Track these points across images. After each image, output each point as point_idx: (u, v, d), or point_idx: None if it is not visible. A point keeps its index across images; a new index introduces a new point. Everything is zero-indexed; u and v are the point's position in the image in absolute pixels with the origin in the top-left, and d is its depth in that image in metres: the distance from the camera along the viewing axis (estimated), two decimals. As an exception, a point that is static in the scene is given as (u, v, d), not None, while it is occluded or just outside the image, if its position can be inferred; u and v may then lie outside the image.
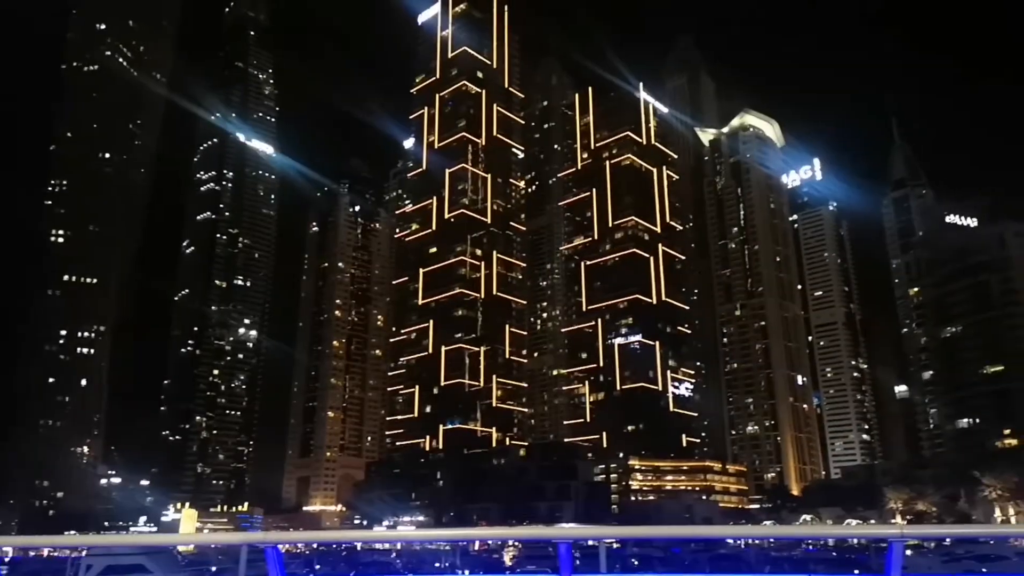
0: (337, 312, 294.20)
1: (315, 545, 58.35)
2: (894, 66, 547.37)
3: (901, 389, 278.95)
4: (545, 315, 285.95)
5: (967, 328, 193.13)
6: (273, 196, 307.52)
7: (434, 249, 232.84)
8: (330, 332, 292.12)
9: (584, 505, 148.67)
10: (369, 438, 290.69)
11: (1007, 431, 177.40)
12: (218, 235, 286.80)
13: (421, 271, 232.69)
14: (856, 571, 47.82)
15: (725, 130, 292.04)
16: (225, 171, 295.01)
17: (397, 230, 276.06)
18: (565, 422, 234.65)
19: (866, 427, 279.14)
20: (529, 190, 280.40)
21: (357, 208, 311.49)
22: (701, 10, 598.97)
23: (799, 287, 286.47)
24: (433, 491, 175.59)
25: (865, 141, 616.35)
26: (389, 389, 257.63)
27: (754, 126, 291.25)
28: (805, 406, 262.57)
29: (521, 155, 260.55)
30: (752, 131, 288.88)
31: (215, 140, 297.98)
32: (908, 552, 49.80)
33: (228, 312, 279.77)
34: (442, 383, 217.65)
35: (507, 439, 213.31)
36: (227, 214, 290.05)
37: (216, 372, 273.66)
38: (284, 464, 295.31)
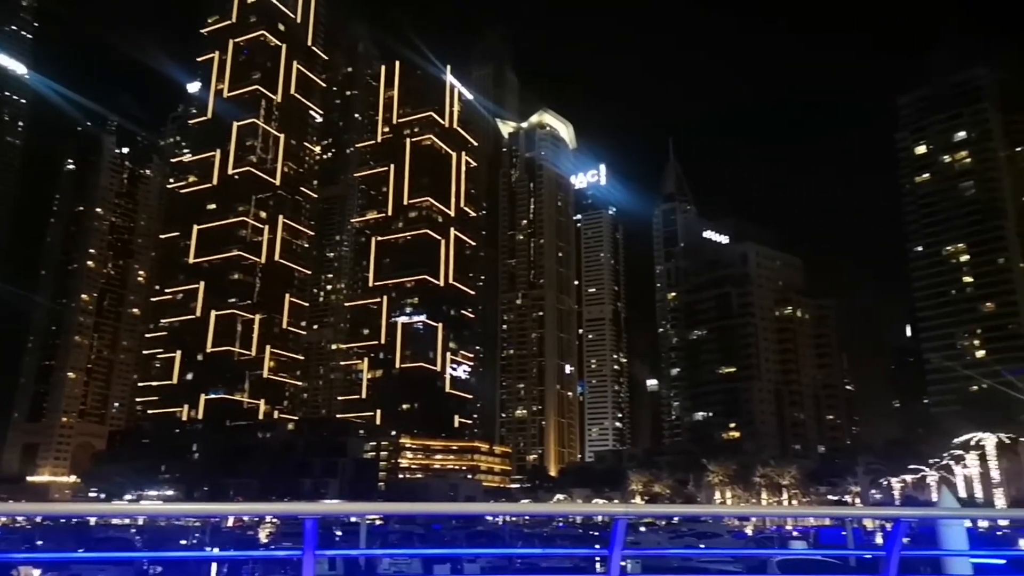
0: (90, 263, 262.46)
1: (39, 519, 51.61)
2: (679, 102, 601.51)
3: (652, 383, 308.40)
4: (330, 287, 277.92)
5: (710, 332, 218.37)
6: (21, 123, 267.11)
7: (213, 205, 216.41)
8: (80, 284, 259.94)
9: (351, 482, 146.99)
10: (117, 404, 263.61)
11: (732, 424, 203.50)
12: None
13: (195, 227, 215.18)
14: (597, 546, 51.92)
15: (524, 125, 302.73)
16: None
17: (171, 180, 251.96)
18: (340, 398, 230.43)
19: (620, 415, 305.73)
20: (324, 156, 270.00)
21: (125, 150, 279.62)
22: (511, 8, 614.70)
23: (576, 283, 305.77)
24: (186, 464, 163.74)
25: (646, 155, 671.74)
26: (145, 352, 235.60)
27: (551, 125, 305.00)
28: (570, 393, 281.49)
29: (319, 119, 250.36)
30: (549, 130, 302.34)
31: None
32: (642, 529, 55.14)
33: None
34: (208, 349, 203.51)
35: (276, 412, 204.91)
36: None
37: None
38: (7, 429, 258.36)
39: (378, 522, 54.11)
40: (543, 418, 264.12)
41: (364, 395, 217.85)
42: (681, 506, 67.75)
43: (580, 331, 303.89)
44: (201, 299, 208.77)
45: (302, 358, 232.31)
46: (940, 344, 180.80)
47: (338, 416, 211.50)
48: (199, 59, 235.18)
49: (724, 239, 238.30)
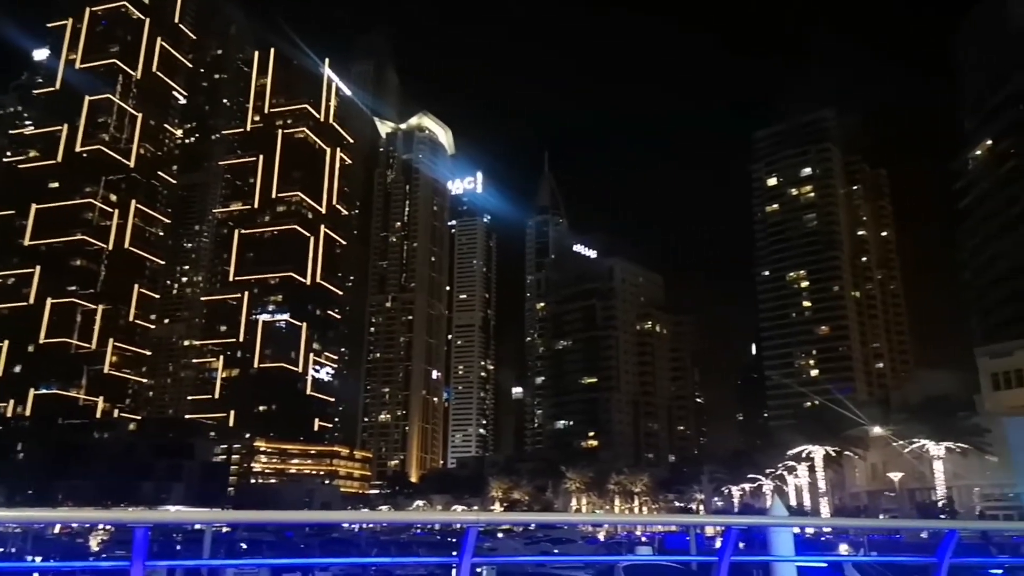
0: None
1: None
2: (554, 109, 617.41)
3: (517, 391, 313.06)
4: (185, 280, 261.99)
5: (575, 343, 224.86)
6: None
7: (56, 184, 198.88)
8: None
9: (197, 487, 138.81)
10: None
11: (591, 433, 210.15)
12: None
13: (34, 207, 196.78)
14: (454, 553, 51.81)
15: (403, 127, 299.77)
16: None
17: (8, 153, 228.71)
18: (190, 397, 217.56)
19: (484, 422, 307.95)
20: (187, 141, 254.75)
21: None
22: (396, 6, 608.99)
23: (447, 288, 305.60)
24: (9, 465, 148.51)
25: (523, 165, 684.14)
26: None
27: (430, 129, 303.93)
28: (435, 399, 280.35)
29: (183, 101, 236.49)
30: (427, 133, 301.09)
31: None
32: (500, 535, 55.55)
33: None
34: (41, 340, 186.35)
35: (116, 411, 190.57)
36: None
37: None
38: None
39: (225, 529, 51.37)
40: (407, 423, 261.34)
41: (217, 395, 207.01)
42: (533, 514, 69.49)
43: (449, 337, 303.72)
44: (36, 285, 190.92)
45: (149, 354, 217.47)
46: (780, 363, 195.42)
47: (187, 416, 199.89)
48: (49, 25, 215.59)
49: (593, 253, 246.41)
